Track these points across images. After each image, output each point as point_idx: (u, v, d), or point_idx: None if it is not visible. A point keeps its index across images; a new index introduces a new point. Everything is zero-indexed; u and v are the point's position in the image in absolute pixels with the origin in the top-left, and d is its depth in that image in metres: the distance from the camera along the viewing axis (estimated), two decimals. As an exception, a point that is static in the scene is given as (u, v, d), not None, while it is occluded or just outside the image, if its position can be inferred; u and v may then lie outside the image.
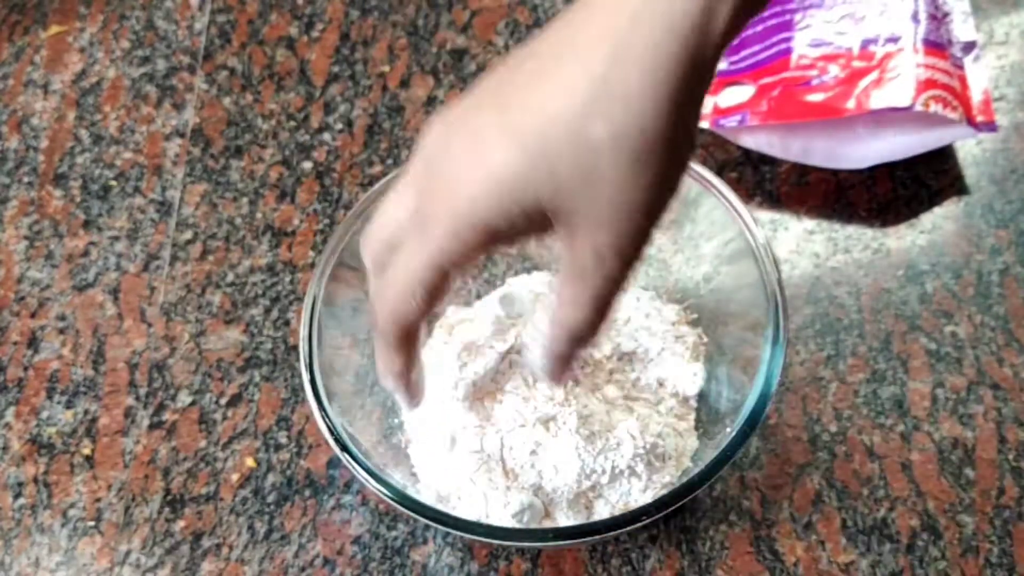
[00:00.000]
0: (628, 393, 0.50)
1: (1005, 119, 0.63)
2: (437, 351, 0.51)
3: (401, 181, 0.36)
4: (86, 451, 0.54)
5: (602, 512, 0.47)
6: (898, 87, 0.57)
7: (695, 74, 0.30)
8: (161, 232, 0.61)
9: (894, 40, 0.59)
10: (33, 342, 0.58)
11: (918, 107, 0.56)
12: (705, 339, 0.52)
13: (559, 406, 0.46)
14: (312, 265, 0.60)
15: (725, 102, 0.61)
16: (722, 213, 0.49)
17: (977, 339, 0.55)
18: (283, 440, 0.54)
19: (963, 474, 0.52)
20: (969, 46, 0.61)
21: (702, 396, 0.51)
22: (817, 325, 0.56)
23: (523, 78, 0.32)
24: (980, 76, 0.60)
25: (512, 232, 0.32)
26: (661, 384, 0.50)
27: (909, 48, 0.59)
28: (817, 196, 0.61)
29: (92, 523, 0.52)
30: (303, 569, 0.50)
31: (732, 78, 0.62)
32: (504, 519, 0.45)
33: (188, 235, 0.61)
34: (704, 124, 0.61)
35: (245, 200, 0.62)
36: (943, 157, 0.61)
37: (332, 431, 0.45)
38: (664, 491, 0.47)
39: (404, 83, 0.67)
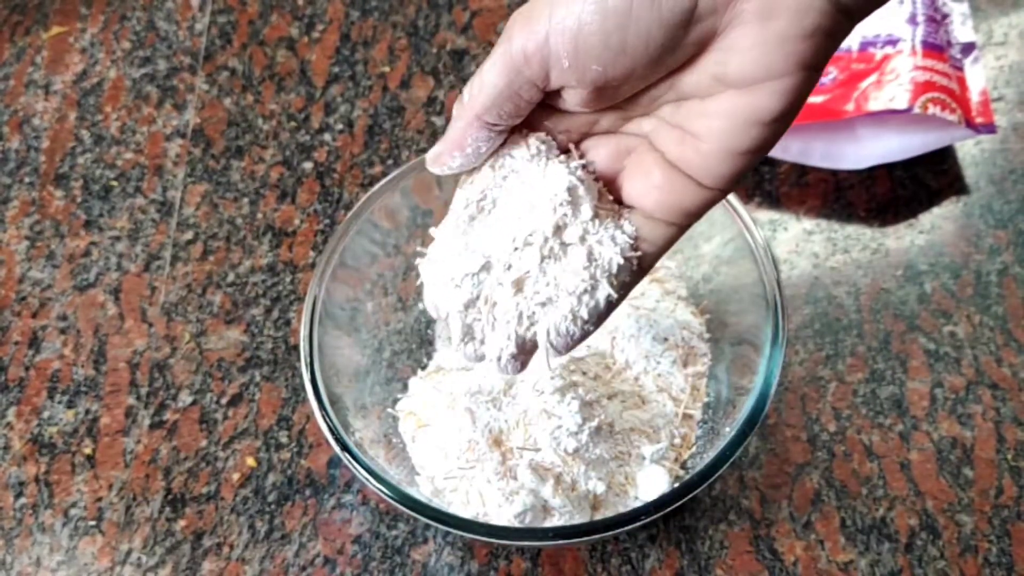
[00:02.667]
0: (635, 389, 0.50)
1: (1004, 120, 0.63)
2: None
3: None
4: (87, 451, 0.54)
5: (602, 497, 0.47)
6: (897, 89, 0.57)
7: None
8: (162, 232, 0.62)
9: (893, 43, 0.59)
10: (34, 342, 0.58)
11: (916, 110, 0.56)
12: (707, 336, 0.52)
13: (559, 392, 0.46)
14: (312, 265, 0.60)
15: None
16: (721, 213, 0.49)
17: (976, 339, 0.56)
18: (284, 440, 0.54)
19: (962, 473, 0.52)
20: (968, 48, 0.61)
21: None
22: (816, 325, 0.56)
23: None
24: (979, 77, 0.60)
25: None
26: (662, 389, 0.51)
27: (908, 50, 0.59)
28: (816, 196, 0.61)
29: (93, 522, 0.52)
30: (304, 568, 0.51)
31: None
32: (504, 518, 0.45)
33: (189, 235, 0.61)
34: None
35: (246, 200, 0.63)
36: (942, 157, 0.62)
37: (333, 430, 0.45)
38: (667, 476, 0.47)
39: (404, 84, 0.67)
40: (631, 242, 0.36)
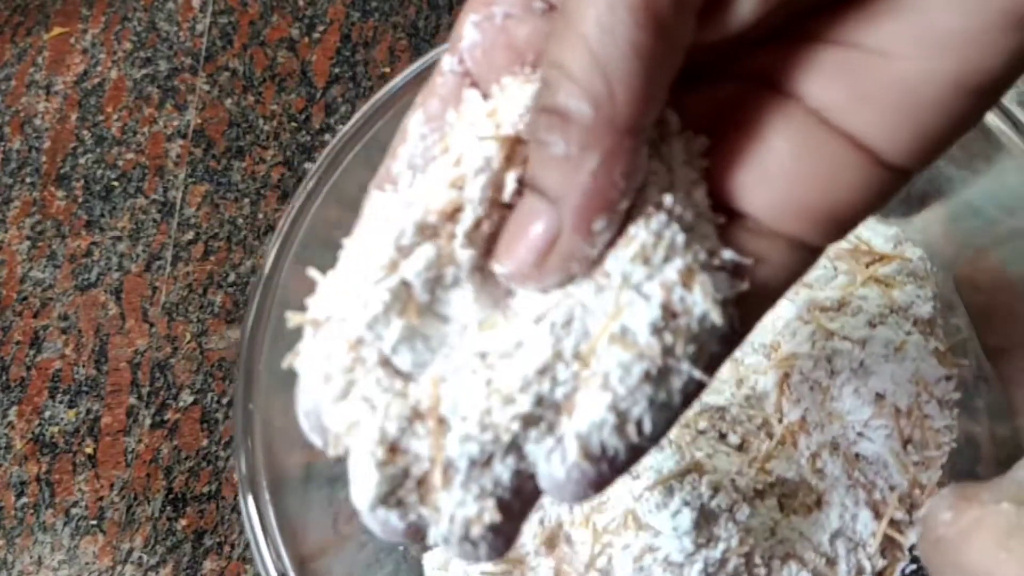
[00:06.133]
0: None
1: (1001, 121, 0.63)
2: None
3: None
4: (88, 450, 0.55)
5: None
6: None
7: None
8: (163, 232, 0.62)
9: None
10: (36, 342, 0.58)
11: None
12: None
13: None
14: (313, 265, 0.60)
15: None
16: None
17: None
18: (284, 439, 0.54)
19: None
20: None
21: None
22: (815, 325, 0.57)
23: None
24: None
25: None
26: None
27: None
28: (815, 197, 0.61)
29: (94, 522, 0.53)
30: (304, 567, 0.51)
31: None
32: None
33: (190, 235, 0.62)
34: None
35: (247, 201, 0.63)
36: (940, 159, 0.62)
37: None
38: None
39: (405, 85, 0.67)
40: (734, 281, 0.20)
